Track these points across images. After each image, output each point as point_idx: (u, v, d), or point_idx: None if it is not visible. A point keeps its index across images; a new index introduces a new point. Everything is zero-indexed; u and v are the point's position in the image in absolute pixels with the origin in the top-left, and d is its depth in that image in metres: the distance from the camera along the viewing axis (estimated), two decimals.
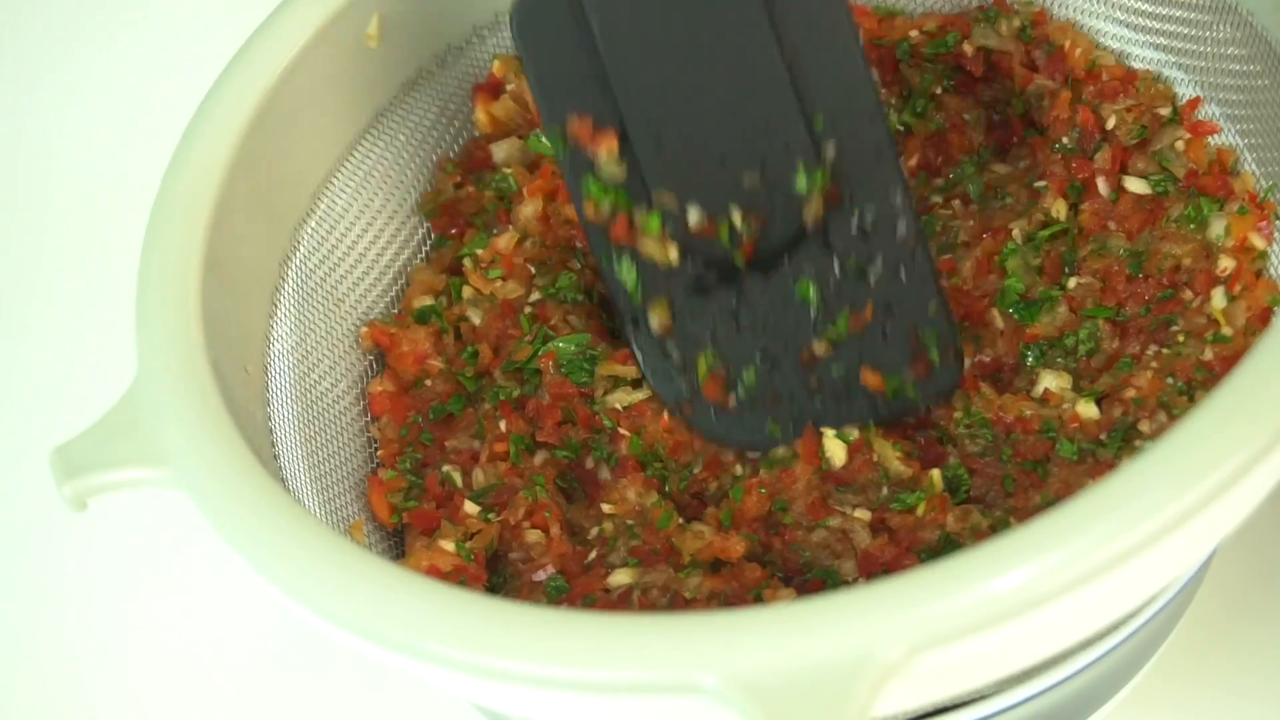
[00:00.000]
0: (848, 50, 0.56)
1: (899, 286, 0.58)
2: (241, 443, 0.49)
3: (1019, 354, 0.59)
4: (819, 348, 0.59)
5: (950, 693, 0.45)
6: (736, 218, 0.57)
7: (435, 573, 0.55)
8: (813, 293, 0.58)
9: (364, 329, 0.63)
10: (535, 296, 0.62)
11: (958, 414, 0.58)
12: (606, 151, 0.56)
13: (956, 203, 0.64)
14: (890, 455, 0.57)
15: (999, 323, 0.60)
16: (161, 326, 0.52)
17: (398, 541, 0.60)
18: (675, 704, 0.41)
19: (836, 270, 0.58)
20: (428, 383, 0.62)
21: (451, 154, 0.69)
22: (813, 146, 0.56)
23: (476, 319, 0.63)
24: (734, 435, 0.59)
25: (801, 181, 0.56)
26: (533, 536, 0.58)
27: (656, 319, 0.59)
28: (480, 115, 0.67)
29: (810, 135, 0.56)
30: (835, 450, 0.57)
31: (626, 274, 0.58)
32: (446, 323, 0.64)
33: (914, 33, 0.66)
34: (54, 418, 0.65)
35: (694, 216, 0.57)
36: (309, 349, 0.61)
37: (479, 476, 0.59)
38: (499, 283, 0.63)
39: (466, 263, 0.64)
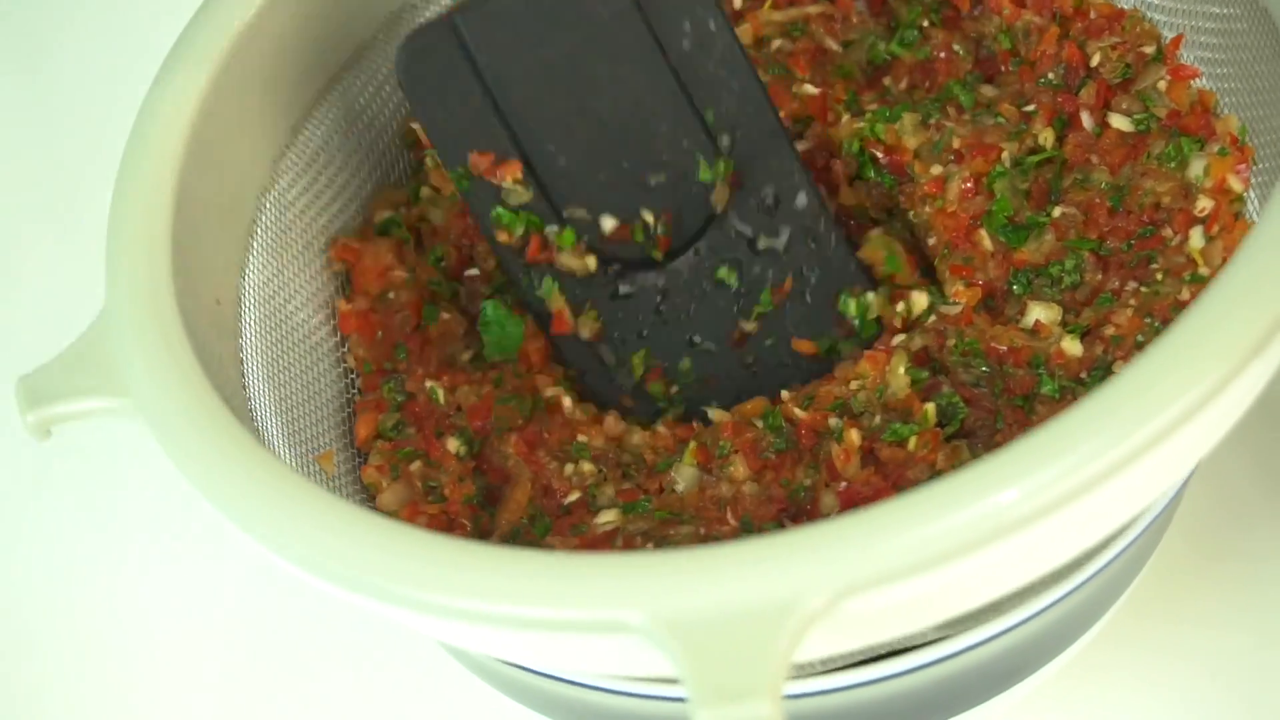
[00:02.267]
0: (728, 49, 0.59)
1: (811, 254, 0.60)
2: (201, 374, 0.49)
3: (1007, 280, 0.59)
4: (748, 325, 0.61)
5: (889, 636, 0.45)
6: (648, 217, 0.59)
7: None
8: (731, 275, 0.60)
9: (331, 250, 0.63)
10: None
11: (951, 342, 0.57)
12: (511, 179, 0.58)
13: (951, 109, 0.63)
14: (900, 364, 0.57)
15: (987, 244, 0.60)
16: (129, 258, 0.53)
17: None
18: (608, 641, 0.42)
19: (749, 249, 0.60)
20: (391, 295, 0.62)
21: None
22: (709, 140, 0.59)
23: (436, 218, 0.64)
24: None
25: (705, 172, 0.59)
26: (512, 460, 0.59)
27: (586, 328, 0.61)
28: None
29: (705, 130, 0.59)
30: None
31: (548, 291, 0.60)
32: (407, 231, 0.64)
33: None
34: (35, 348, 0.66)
35: (607, 224, 0.59)
36: (285, 281, 0.61)
37: (465, 394, 0.60)
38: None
39: (428, 160, 0.65)
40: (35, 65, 1.00)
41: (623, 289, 0.60)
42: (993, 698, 0.57)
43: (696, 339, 0.61)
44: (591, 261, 0.60)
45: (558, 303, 0.60)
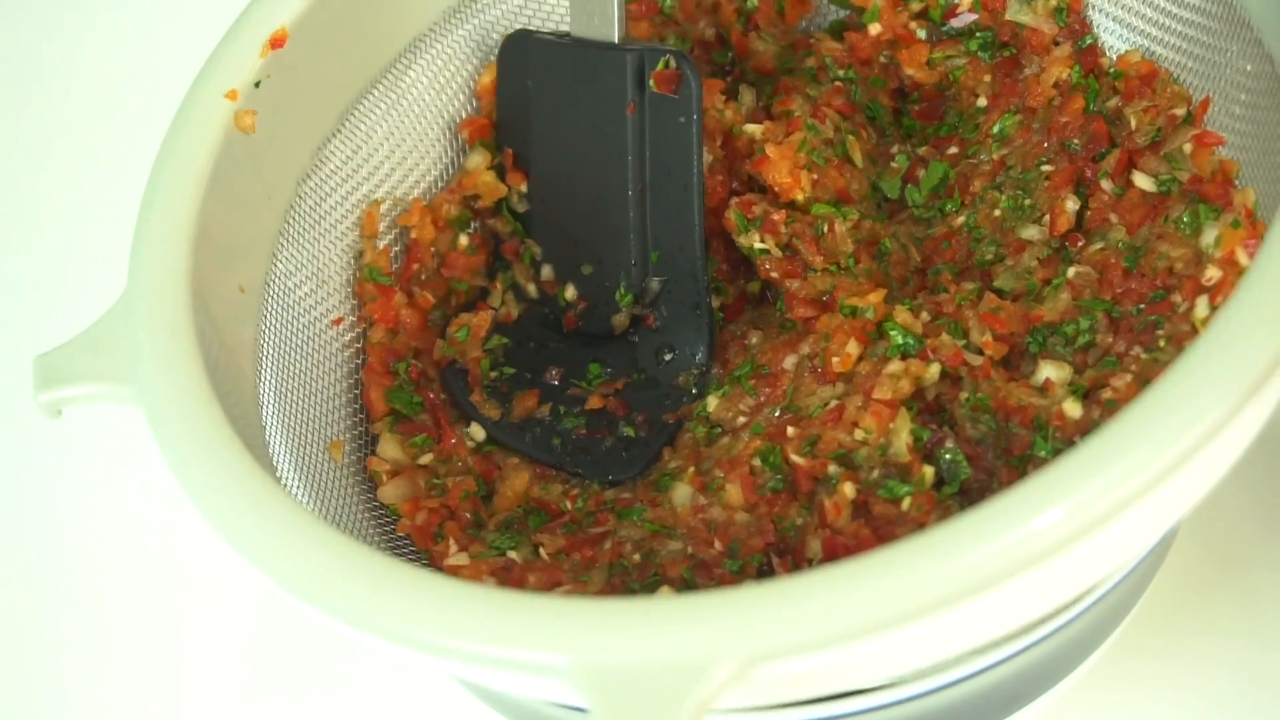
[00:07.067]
0: (687, 213, 0.63)
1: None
2: (201, 368, 0.51)
3: (1026, 337, 0.59)
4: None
5: (826, 690, 0.46)
6: (570, 292, 0.67)
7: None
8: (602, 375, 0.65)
9: (359, 281, 0.65)
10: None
11: (964, 394, 0.57)
12: (517, 186, 0.67)
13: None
14: (904, 426, 0.56)
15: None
16: (153, 246, 0.55)
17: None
18: (540, 682, 0.43)
19: (632, 376, 0.65)
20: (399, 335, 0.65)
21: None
22: (640, 273, 0.65)
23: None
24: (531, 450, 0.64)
25: (622, 296, 0.65)
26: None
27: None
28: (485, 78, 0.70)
29: (642, 263, 0.65)
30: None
31: (503, 283, 0.68)
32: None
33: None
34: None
35: (545, 272, 0.67)
36: (312, 271, 0.63)
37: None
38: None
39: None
40: (80, 34, 1.02)
41: (540, 324, 0.67)
42: None
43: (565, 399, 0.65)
44: (531, 289, 0.67)
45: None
